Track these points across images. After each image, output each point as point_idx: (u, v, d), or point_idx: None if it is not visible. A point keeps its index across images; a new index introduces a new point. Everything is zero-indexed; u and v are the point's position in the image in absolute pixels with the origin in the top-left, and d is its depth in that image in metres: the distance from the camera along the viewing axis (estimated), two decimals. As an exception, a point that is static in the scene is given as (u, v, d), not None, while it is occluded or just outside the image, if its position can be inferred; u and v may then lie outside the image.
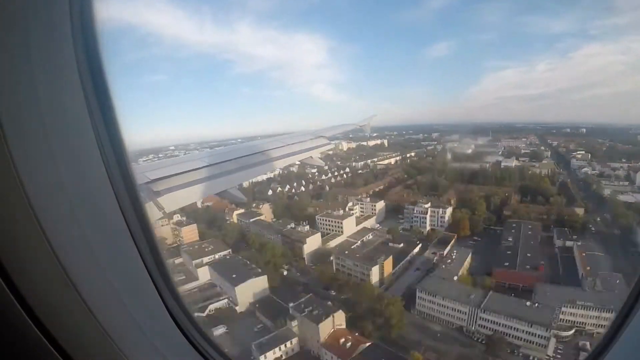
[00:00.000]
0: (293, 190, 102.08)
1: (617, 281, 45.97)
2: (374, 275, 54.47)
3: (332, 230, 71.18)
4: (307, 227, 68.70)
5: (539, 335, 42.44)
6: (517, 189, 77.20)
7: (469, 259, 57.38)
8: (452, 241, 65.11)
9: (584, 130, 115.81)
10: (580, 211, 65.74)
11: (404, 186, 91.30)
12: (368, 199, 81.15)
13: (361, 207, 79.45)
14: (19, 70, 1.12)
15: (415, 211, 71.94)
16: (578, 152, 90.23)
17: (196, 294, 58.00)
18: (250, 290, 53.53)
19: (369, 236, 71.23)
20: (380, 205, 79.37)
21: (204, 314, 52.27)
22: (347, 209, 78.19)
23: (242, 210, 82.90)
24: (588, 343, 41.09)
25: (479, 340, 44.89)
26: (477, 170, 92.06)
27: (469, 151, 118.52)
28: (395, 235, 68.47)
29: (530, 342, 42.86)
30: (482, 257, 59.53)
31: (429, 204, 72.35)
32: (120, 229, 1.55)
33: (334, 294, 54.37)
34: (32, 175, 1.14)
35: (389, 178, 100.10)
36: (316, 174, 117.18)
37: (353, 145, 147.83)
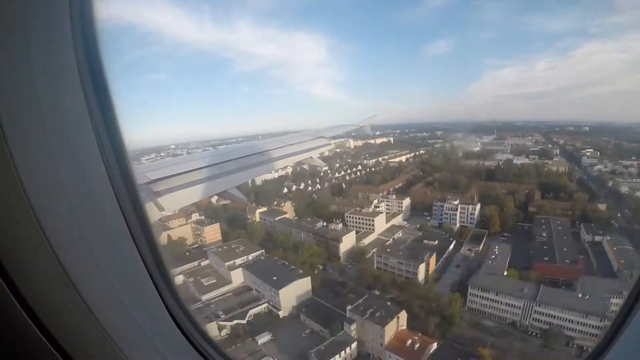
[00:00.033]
0: (310, 188, 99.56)
1: (654, 273, 47.55)
2: (421, 273, 53.44)
3: (362, 227, 69.57)
4: (340, 226, 66.65)
5: (593, 326, 42.94)
6: (537, 186, 79.07)
7: (509, 255, 57.65)
8: (485, 238, 65.50)
9: (587, 128, 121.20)
10: (602, 207, 68.12)
11: (425, 183, 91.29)
12: (394, 196, 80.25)
13: (387, 205, 78.37)
14: (19, 70, 1.13)
15: (445, 208, 71.75)
16: (587, 150, 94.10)
17: (231, 299, 54.47)
18: (293, 292, 50.80)
19: (399, 234, 70.41)
20: (406, 202, 78.70)
21: (244, 321, 48.96)
22: (373, 207, 76.91)
23: (264, 209, 79.58)
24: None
25: (535, 334, 44.90)
26: (494, 167, 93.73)
27: (477, 149, 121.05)
28: (427, 233, 67.94)
29: (585, 333, 43.27)
30: (519, 253, 60.08)
31: (458, 201, 72.44)
32: (120, 229, 1.54)
33: (377, 293, 52.86)
34: (32, 175, 1.14)
35: (407, 175, 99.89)
36: (328, 171, 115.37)
37: (360, 143, 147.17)
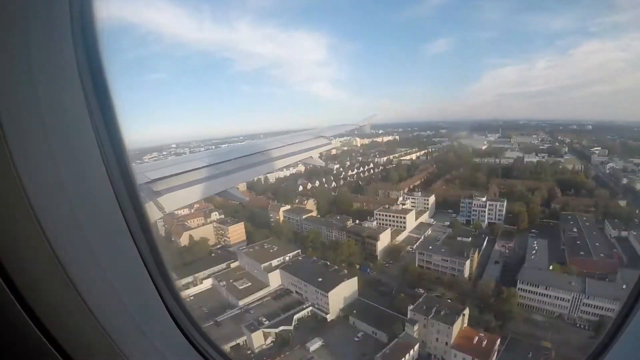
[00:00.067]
0: (326, 186, 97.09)
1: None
2: (467, 269, 52.49)
3: (394, 225, 67.95)
4: (374, 223, 64.67)
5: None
6: (556, 183, 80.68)
7: (547, 250, 57.95)
8: (515, 234, 65.79)
9: (590, 127, 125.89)
10: (623, 203, 70.22)
11: (444, 181, 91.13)
12: (419, 193, 79.28)
13: (412, 202, 77.28)
14: (19, 70, 1.13)
15: (474, 205, 71.51)
16: (595, 149, 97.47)
17: (271, 303, 51.18)
18: (341, 294, 48.29)
19: (428, 231, 69.48)
20: (432, 199, 77.98)
21: (291, 327, 45.80)
22: (398, 204, 75.61)
23: (287, 207, 76.36)
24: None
25: (584, 327, 44.94)
26: (509, 165, 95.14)
27: (484, 147, 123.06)
28: (458, 230, 67.41)
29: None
30: (553, 248, 60.59)
31: (485, 198, 72.45)
32: (120, 229, 1.54)
33: (423, 291, 51.37)
34: (32, 175, 1.15)
35: (423, 173, 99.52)
36: (341, 169, 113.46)
37: (366, 141, 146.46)
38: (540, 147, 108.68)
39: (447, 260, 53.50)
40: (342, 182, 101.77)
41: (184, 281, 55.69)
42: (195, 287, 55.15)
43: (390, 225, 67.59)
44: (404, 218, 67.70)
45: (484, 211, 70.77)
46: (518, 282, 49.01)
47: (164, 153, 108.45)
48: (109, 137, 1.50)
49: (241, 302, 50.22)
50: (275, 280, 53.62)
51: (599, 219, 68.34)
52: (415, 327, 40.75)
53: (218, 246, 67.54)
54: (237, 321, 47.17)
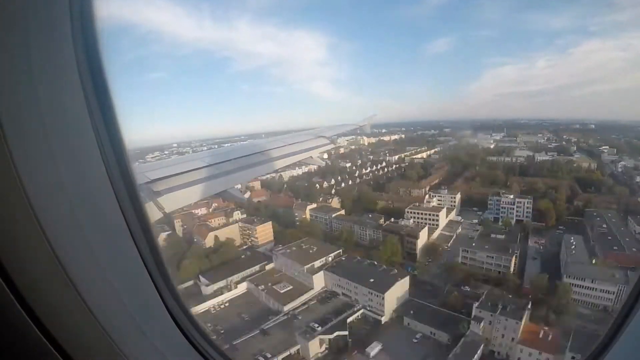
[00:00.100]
0: (342, 184, 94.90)
1: None
2: (512, 265, 51.80)
3: (426, 223, 66.63)
4: (411, 221, 63.05)
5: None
6: (574, 181, 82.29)
7: (584, 245, 58.35)
8: (544, 231, 66.14)
9: (593, 126, 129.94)
10: (641, 200, 72.34)
11: (464, 179, 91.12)
12: (445, 191, 78.56)
13: (439, 200, 76.44)
14: (19, 70, 1.13)
15: (502, 202, 71.47)
16: (603, 147, 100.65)
17: (318, 308, 48.16)
18: (395, 295, 46.17)
19: (459, 229, 68.80)
20: (458, 197, 77.46)
21: (346, 332, 42.86)
22: (425, 202, 74.56)
23: (313, 205, 73.48)
24: None
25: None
26: (525, 163, 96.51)
27: (491, 146, 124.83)
28: (489, 227, 67.04)
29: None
30: (585, 244, 61.21)
31: (513, 195, 72.62)
32: (120, 229, 1.55)
33: (468, 289, 50.24)
34: (32, 175, 1.15)
35: (441, 171, 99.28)
36: (353, 167, 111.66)
37: (373, 140, 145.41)
38: (549, 146, 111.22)
39: (493, 257, 52.62)
40: (357, 180, 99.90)
41: (216, 286, 51.79)
42: (230, 291, 51.38)
43: (423, 223, 66.30)
44: (437, 216, 66.63)
45: (513, 208, 70.84)
46: (564, 276, 48.87)
47: (166, 152, 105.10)
48: (109, 137, 1.48)
49: (286, 308, 46.98)
50: (318, 282, 50.75)
51: (621, 215, 70.03)
52: (481, 325, 39.30)
53: (244, 247, 63.71)
54: (286, 328, 43.94)
